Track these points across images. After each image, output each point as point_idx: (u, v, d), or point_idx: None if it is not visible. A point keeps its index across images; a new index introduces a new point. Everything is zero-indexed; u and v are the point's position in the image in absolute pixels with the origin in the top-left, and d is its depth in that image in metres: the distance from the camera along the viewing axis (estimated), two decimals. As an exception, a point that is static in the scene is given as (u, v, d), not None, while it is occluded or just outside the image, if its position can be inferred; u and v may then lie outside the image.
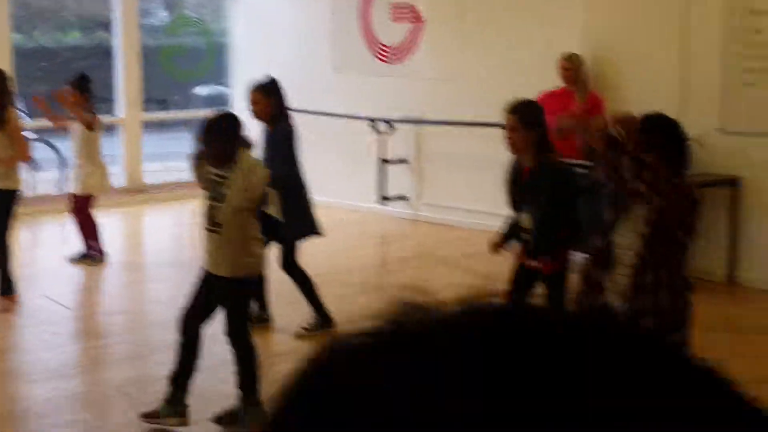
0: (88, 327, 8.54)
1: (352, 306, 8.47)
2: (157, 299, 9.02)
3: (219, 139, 5.71)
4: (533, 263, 5.65)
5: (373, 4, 12.72)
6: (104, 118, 14.21)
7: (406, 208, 12.42)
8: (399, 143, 12.28)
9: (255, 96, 7.64)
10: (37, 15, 18.67)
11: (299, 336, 7.71)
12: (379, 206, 12.37)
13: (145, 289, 9.82)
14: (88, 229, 10.08)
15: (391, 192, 12.30)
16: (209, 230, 5.80)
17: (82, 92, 9.82)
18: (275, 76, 7.86)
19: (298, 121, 13.53)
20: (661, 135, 4.70)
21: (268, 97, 7.61)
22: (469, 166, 11.60)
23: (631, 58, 10.02)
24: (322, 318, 7.80)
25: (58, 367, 7.13)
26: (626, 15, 10.13)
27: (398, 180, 12.31)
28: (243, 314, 5.92)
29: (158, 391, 5.92)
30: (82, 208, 10.07)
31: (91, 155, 9.99)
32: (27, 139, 8.72)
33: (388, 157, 12.31)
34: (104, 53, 14.88)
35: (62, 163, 14.42)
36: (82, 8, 18.74)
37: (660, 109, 9.42)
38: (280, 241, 7.58)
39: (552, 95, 9.97)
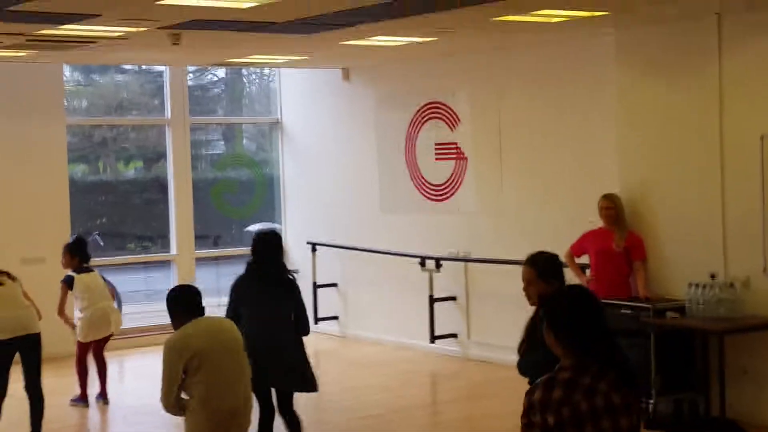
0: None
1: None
2: None
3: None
4: None
5: (416, 142, 12.78)
6: (159, 255, 14.50)
7: (455, 346, 12.32)
8: (447, 280, 12.21)
9: None
10: (100, 146, 18.98)
11: None
12: (429, 344, 12.28)
13: None
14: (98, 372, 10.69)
15: (440, 330, 12.19)
16: None
17: (73, 256, 10.50)
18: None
19: (346, 258, 13.64)
20: None
21: None
22: (517, 304, 11.43)
23: (668, 197, 9.71)
24: None
25: None
26: (659, 153, 9.80)
27: (447, 318, 12.21)
28: None
29: None
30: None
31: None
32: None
33: (436, 294, 12.24)
34: (161, 187, 15.09)
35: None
36: (144, 140, 19.01)
37: (702, 250, 9.23)
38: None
39: (593, 234, 9.92)
